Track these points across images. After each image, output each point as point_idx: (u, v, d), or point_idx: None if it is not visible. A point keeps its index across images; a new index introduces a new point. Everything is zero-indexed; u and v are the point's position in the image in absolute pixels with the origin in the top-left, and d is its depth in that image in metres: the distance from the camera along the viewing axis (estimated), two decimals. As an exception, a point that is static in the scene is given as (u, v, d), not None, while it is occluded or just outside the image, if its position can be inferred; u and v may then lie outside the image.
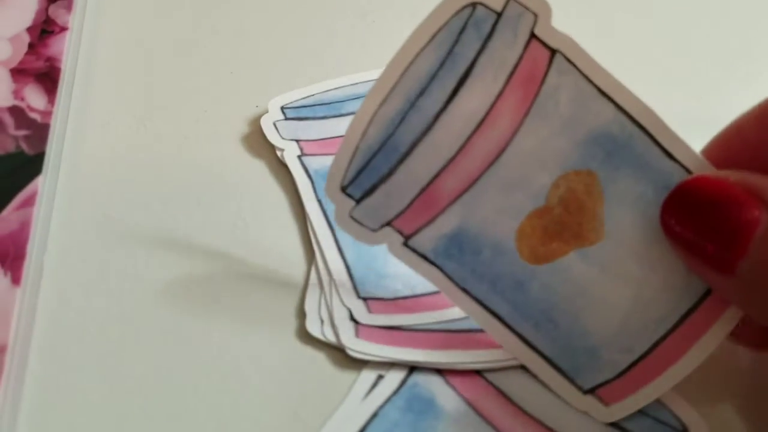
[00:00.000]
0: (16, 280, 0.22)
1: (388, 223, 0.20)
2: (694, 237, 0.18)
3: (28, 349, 0.21)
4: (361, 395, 0.20)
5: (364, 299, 0.22)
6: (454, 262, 0.20)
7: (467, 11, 0.19)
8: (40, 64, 0.27)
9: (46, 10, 0.29)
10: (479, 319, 0.20)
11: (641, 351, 0.19)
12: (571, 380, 0.20)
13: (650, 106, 0.19)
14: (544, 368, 0.20)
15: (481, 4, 0.19)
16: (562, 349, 0.20)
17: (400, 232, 0.20)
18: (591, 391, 0.20)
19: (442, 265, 0.20)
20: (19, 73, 0.27)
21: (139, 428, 0.20)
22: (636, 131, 0.19)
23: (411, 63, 0.19)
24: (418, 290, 0.22)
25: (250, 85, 0.28)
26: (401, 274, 0.22)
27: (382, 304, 0.22)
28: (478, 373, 0.21)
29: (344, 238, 0.22)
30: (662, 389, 0.19)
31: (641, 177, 0.19)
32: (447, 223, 0.20)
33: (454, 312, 0.21)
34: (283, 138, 0.25)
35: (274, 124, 0.26)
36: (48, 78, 0.27)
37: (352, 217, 0.20)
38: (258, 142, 0.26)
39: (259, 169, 0.25)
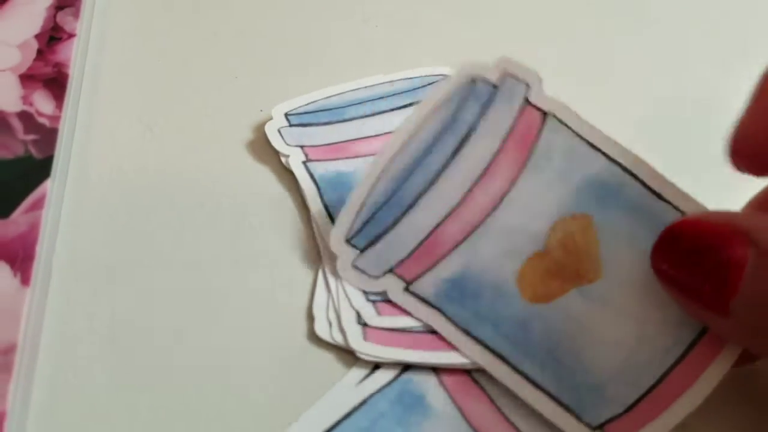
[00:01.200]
0: (25, 280, 0.22)
1: (390, 270, 0.21)
2: (684, 280, 0.18)
3: (38, 349, 0.21)
4: (355, 382, 0.21)
5: (373, 301, 0.22)
6: (456, 305, 0.21)
7: (468, 85, 0.21)
8: (48, 70, 0.28)
9: (54, 17, 0.29)
10: (484, 361, 0.20)
11: (648, 384, 0.19)
12: (578, 418, 0.20)
13: (638, 155, 0.20)
14: (552, 407, 0.20)
15: (481, 79, 0.21)
16: (568, 387, 0.20)
17: (402, 278, 0.21)
18: (599, 428, 0.20)
19: (443, 308, 0.21)
20: (27, 78, 0.27)
21: (147, 427, 0.20)
22: (627, 179, 0.20)
23: (418, 127, 0.21)
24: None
25: (254, 91, 0.28)
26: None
27: (391, 305, 0.22)
28: (474, 380, 0.21)
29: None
30: (671, 423, 0.19)
31: (635, 218, 0.20)
32: (448, 268, 0.21)
33: (452, 355, 0.21)
34: (287, 144, 0.25)
35: (279, 131, 0.26)
36: (56, 84, 0.27)
37: (354, 267, 0.21)
38: (262, 148, 0.26)
39: (264, 175, 0.26)
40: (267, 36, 0.30)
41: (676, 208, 0.20)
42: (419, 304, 0.21)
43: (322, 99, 0.27)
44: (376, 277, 0.21)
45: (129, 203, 0.25)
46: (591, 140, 0.21)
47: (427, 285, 0.21)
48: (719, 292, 0.17)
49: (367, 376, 0.21)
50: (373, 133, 0.25)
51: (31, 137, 0.26)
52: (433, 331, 0.21)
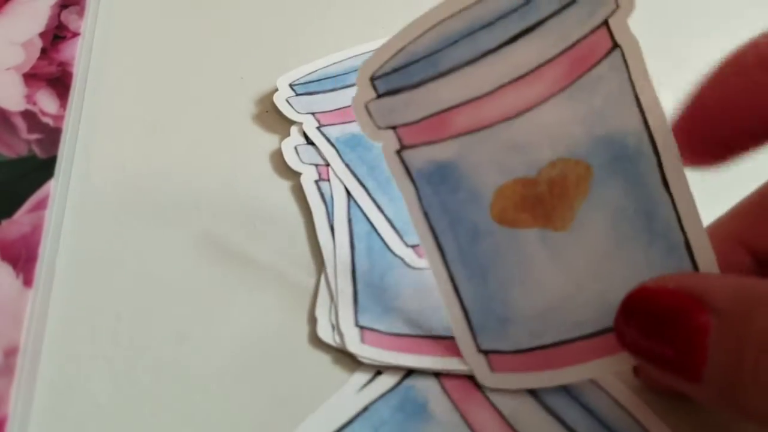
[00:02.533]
0: (28, 281, 0.22)
1: (394, 128, 0.20)
2: (651, 350, 0.17)
3: (40, 350, 0.21)
4: (356, 388, 0.21)
5: (361, 327, 0.22)
6: (431, 188, 0.20)
7: None
8: (52, 69, 0.27)
9: (59, 15, 0.29)
10: (426, 246, 0.21)
11: (548, 341, 0.20)
12: (474, 335, 0.21)
13: (672, 136, 0.19)
14: (458, 314, 0.21)
15: None
16: (480, 307, 0.21)
17: (400, 140, 0.20)
18: (485, 353, 0.20)
19: (419, 186, 0.21)
20: (31, 77, 0.27)
21: (149, 429, 0.20)
22: (648, 151, 0.19)
23: None
24: (420, 332, 0.22)
25: (259, 90, 0.28)
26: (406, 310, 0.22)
27: (376, 337, 0.22)
28: (477, 387, 0.21)
29: (361, 261, 0.23)
30: (550, 382, 0.20)
31: (631, 193, 0.19)
32: (442, 153, 0.20)
33: (453, 361, 0.21)
34: (298, 112, 0.26)
35: (287, 101, 0.26)
36: (60, 83, 0.27)
37: (366, 107, 0.20)
38: (269, 149, 0.26)
39: (269, 176, 0.26)
40: (270, 29, 0.30)
41: (675, 207, 0.19)
42: (402, 171, 0.21)
43: (323, 68, 0.27)
44: (379, 128, 0.20)
45: (132, 203, 0.25)
46: (640, 96, 0.19)
47: (416, 158, 0.20)
48: (688, 361, 0.17)
49: (370, 381, 0.21)
50: None
51: (34, 136, 0.25)
52: (432, 336, 0.21)
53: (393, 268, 0.23)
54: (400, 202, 0.21)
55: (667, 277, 0.18)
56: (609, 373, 0.20)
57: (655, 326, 0.17)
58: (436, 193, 0.20)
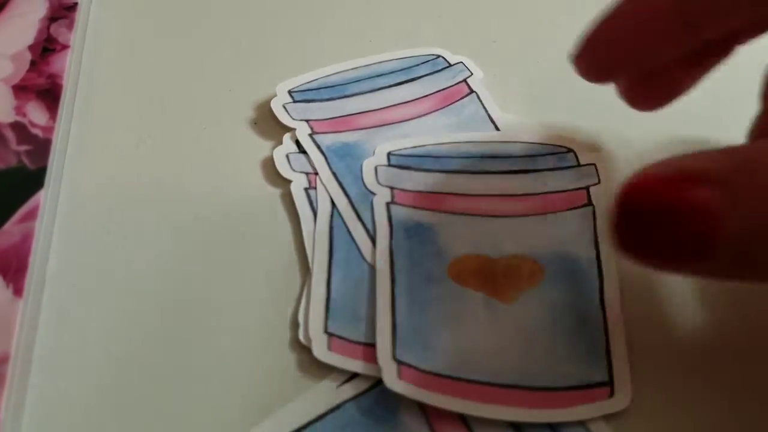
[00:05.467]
0: (18, 291, 0.22)
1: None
2: (657, 240, 0.16)
3: (30, 360, 0.21)
4: (335, 385, 0.21)
5: (329, 334, 0.22)
6: (338, 158, 0.25)
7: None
8: (41, 81, 0.28)
9: (48, 28, 0.29)
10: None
11: (461, 376, 0.21)
12: (394, 345, 0.21)
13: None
14: (386, 324, 0.21)
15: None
16: (409, 328, 0.21)
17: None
18: (398, 362, 0.21)
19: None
20: (21, 89, 0.27)
21: (140, 438, 0.20)
22: (594, 275, 0.23)
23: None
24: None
25: (248, 103, 0.28)
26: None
27: (343, 345, 0.22)
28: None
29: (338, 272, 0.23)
30: (449, 406, 0.20)
31: (572, 298, 0.22)
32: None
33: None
34: (293, 119, 0.27)
35: (284, 107, 0.27)
36: (49, 95, 0.27)
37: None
38: (255, 160, 0.26)
39: (257, 185, 0.26)
40: (261, 40, 0.30)
41: (605, 322, 0.22)
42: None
43: (322, 77, 0.28)
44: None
45: (122, 214, 0.25)
46: (600, 245, 0.23)
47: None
48: (701, 240, 0.16)
49: (348, 380, 0.21)
50: (375, 107, 0.27)
51: (24, 148, 0.26)
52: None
53: (367, 278, 0.23)
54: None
55: (662, 164, 0.16)
56: (505, 418, 0.20)
57: (656, 218, 0.16)
58: (407, 240, 0.23)
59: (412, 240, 0.23)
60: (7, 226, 0.23)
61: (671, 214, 0.16)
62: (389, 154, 0.25)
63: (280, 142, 0.26)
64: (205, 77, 0.29)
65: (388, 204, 0.24)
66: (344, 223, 0.24)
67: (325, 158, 0.26)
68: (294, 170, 0.25)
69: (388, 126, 0.26)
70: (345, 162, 0.25)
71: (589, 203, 0.24)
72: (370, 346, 0.21)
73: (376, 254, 0.23)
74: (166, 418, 0.20)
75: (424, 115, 0.27)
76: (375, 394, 0.21)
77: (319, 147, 0.26)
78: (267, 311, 0.23)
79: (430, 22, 0.30)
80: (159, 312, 0.22)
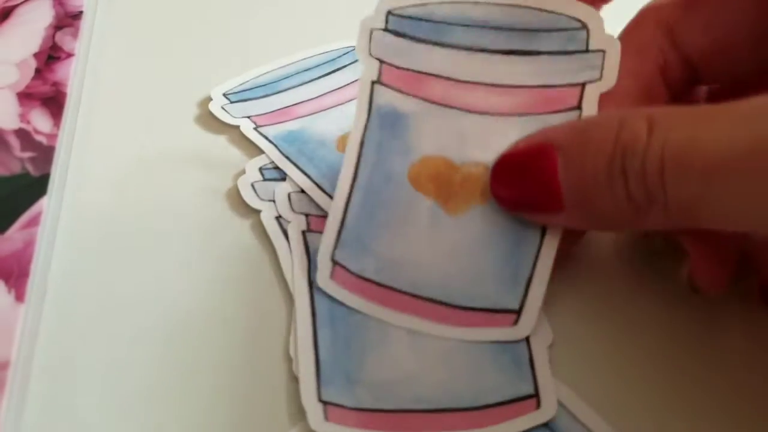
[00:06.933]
0: (20, 297, 0.22)
1: (381, 62, 0.23)
2: (519, 195, 0.21)
3: (31, 366, 0.21)
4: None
5: (324, 402, 0.21)
6: (378, 125, 0.23)
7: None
8: (46, 89, 0.28)
9: (53, 36, 0.30)
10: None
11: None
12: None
13: None
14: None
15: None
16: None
17: (379, 75, 0.23)
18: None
19: (371, 119, 0.23)
20: (25, 97, 0.27)
21: (140, 445, 0.20)
22: None
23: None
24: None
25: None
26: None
27: (341, 413, 0.21)
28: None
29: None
30: (376, 314, 0.21)
31: (514, 223, 0.22)
32: (403, 105, 0.23)
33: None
34: (234, 117, 0.28)
35: (222, 108, 0.28)
36: (54, 102, 0.27)
37: (370, 31, 0.23)
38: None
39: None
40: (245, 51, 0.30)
41: (538, 251, 0.22)
42: (366, 100, 0.23)
43: (253, 78, 0.29)
44: (370, 54, 0.23)
45: (124, 221, 0.25)
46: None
47: (383, 97, 0.23)
48: (549, 194, 0.20)
49: None
50: (309, 97, 0.28)
51: (28, 155, 0.26)
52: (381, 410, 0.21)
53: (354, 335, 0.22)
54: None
55: (519, 140, 0.21)
56: (419, 329, 0.22)
57: (518, 176, 0.21)
58: (380, 130, 0.23)
59: (384, 131, 0.23)
60: (10, 232, 0.23)
61: (527, 170, 0.21)
62: (389, 13, 0.23)
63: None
64: (206, 85, 0.29)
65: (373, 83, 0.23)
66: (314, 202, 0.25)
67: (275, 146, 0.27)
68: (261, 199, 0.25)
69: (327, 111, 0.28)
70: (295, 146, 0.27)
71: (578, 106, 0.22)
72: (367, 411, 0.21)
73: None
74: (166, 424, 0.20)
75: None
76: None
77: (266, 137, 0.27)
78: (262, 341, 0.23)
79: (336, 21, 0.31)
80: (159, 318, 0.23)
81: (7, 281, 0.22)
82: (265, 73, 0.30)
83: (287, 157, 0.26)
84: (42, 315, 0.22)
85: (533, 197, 0.21)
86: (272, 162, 0.26)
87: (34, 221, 0.24)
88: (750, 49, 0.22)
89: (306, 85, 0.29)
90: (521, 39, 0.22)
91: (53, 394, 0.21)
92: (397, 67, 0.23)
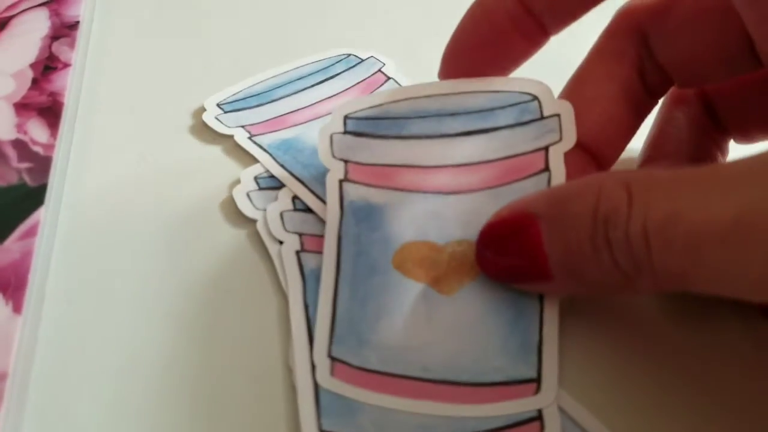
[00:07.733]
0: (17, 308, 0.22)
1: (345, 162, 0.24)
2: (506, 264, 0.21)
3: (29, 378, 0.21)
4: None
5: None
6: (354, 220, 0.23)
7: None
8: (43, 99, 0.28)
9: (50, 47, 0.30)
10: (327, 263, 0.23)
11: (393, 371, 0.21)
12: (331, 342, 0.21)
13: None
14: (326, 319, 0.22)
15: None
16: (348, 323, 0.22)
17: (346, 173, 0.24)
18: (332, 359, 0.21)
19: (345, 214, 0.23)
20: (22, 107, 0.27)
21: (138, 456, 0.20)
22: None
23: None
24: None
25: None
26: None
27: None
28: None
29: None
30: (378, 402, 0.21)
31: (511, 291, 0.22)
32: (376, 197, 0.23)
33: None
34: (228, 127, 0.28)
35: (216, 118, 0.28)
36: (51, 112, 0.27)
37: (330, 137, 0.24)
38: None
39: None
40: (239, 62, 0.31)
41: (541, 316, 0.22)
42: (337, 198, 0.23)
43: (246, 88, 0.30)
44: (333, 157, 0.24)
45: (122, 232, 0.25)
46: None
47: (353, 192, 0.23)
48: (535, 264, 0.20)
49: None
50: (303, 105, 0.29)
51: (24, 165, 0.26)
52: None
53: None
54: None
55: (502, 208, 0.21)
56: (433, 413, 0.21)
57: (504, 247, 0.21)
58: (356, 224, 0.23)
59: (361, 225, 0.23)
60: (7, 243, 0.23)
61: (512, 242, 0.21)
62: (346, 118, 0.24)
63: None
64: (206, 95, 0.29)
65: (341, 182, 0.23)
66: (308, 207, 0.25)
67: (270, 155, 0.27)
68: (257, 208, 0.25)
69: (321, 118, 0.28)
70: (290, 154, 0.27)
71: (546, 168, 0.23)
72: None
73: (324, 239, 0.23)
74: (164, 436, 0.21)
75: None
76: None
77: (261, 146, 0.27)
78: (264, 349, 0.23)
79: (328, 29, 0.33)
80: (158, 329, 0.23)
81: (4, 292, 0.22)
82: (258, 83, 0.30)
83: (282, 166, 0.26)
84: (40, 326, 0.22)
85: (521, 268, 0.21)
86: (267, 171, 0.26)
87: (32, 232, 0.24)
88: (720, 59, 0.22)
89: (300, 93, 0.29)
90: (478, 120, 0.23)
91: (51, 406, 0.21)
92: (363, 164, 0.23)
